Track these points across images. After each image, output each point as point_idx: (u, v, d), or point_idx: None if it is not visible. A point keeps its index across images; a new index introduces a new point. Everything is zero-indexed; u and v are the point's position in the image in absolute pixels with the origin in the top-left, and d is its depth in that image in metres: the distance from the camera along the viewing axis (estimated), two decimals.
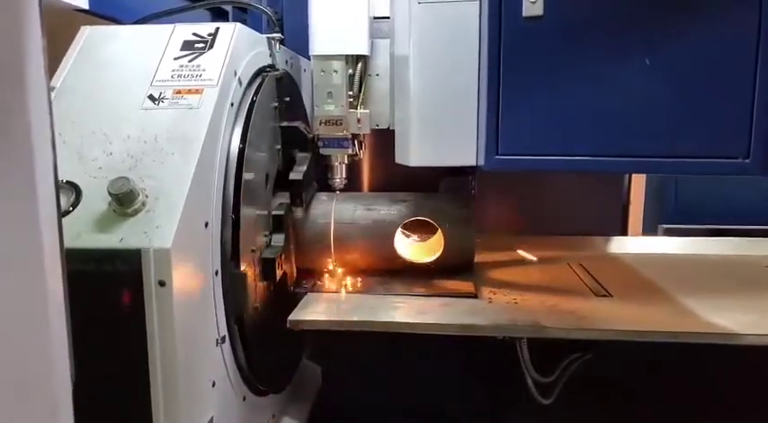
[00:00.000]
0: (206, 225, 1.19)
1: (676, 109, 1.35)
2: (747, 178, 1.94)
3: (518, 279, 1.82)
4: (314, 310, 1.50)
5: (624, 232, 2.34)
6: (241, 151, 1.31)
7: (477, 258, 1.83)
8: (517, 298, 1.61)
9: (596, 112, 1.37)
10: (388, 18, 1.81)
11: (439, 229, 1.76)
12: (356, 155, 1.92)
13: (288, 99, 1.67)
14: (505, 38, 1.38)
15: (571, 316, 1.46)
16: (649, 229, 2.41)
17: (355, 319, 1.46)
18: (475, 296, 1.61)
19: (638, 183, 2.42)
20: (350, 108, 1.82)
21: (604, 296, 1.64)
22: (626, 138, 1.37)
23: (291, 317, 1.44)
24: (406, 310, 1.52)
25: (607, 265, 1.99)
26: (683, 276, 1.89)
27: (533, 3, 1.35)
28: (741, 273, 1.96)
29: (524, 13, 1.36)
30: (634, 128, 1.36)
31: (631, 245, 2.25)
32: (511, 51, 1.38)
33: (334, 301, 1.60)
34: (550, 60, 1.38)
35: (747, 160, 1.33)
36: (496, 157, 1.43)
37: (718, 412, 1.99)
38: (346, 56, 1.78)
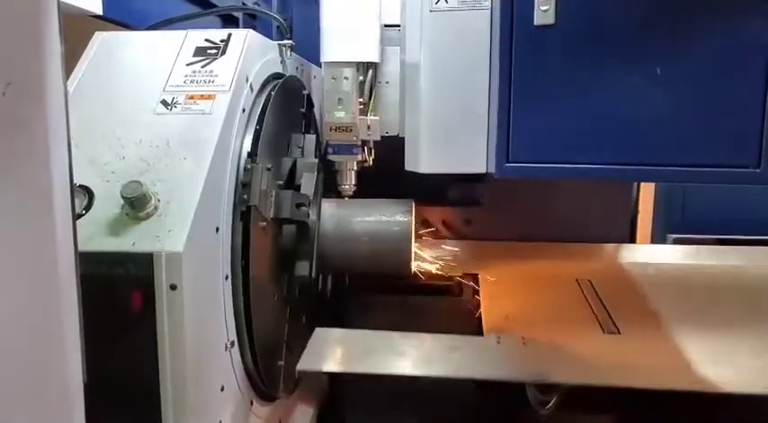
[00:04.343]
0: (216, 230, 1.20)
1: (688, 118, 1.35)
2: (758, 188, 1.93)
3: (526, 307, 1.82)
4: (323, 356, 1.51)
5: (633, 241, 2.32)
6: (252, 157, 1.32)
7: (481, 273, 1.80)
8: (525, 336, 1.58)
9: (608, 121, 1.37)
10: (398, 26, 1.82)
11: None
12: (365, 161, 1.93)
13: (298, 106, 1.67)
14: (517, 46, 1.38)
15: (581, 365, 1.46)
16: (659, 238, 2.39)
17: (364, 370, 1.47)
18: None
19: (647, 191, 2.41)
20: (360, 115, 1.83)
21: (613, 333, 1.66)
22: (637, 146, 1.37)
23: (300, 366, 1.45)
24: (413, 358, 1.51)
25: (615, 287, 1.97)
26: (694, 300, 1.89)
27: (545, 11, 1.35)
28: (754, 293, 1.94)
29: (536, 22, 1.37)
30: (645, 136, 1.36)
31: (640, 254, 2.23)
32: (522, 59, 1.38)
33: (342, 343, 1.59)
34: (562, 69, 1.38)
35: (758, 169, 1.32)
36: (507, 164, 1.43)
37: None
38: (357, 63, 1.79)
